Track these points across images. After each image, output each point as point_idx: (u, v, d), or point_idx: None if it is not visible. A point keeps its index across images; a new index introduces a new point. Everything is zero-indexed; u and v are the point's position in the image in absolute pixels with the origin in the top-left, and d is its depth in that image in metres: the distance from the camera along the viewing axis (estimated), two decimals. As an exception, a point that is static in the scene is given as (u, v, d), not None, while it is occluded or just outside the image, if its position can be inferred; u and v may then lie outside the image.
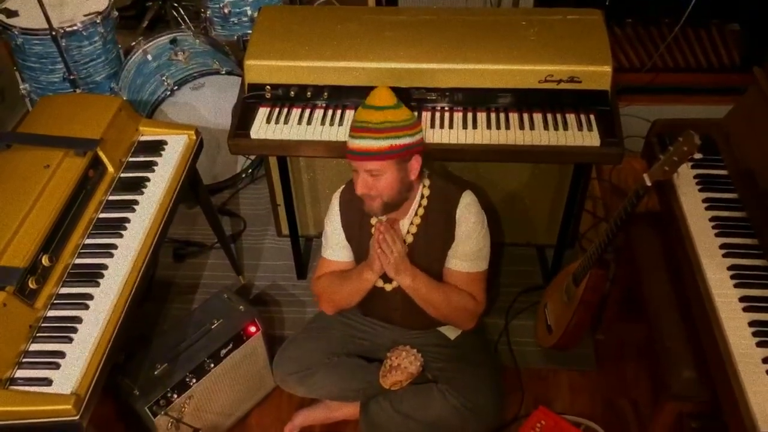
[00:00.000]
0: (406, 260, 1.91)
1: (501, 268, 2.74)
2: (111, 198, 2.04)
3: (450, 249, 1.98)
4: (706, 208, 1.85)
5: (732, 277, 1.67)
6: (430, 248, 1.98)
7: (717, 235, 1.77)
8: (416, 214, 1.96)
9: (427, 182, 1.97)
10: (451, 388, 2.03)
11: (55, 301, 1.76)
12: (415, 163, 1.89)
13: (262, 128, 2.17)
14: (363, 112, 1.86)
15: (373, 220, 1.98)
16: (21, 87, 3.04)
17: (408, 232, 1.97)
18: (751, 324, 1.57)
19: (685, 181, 1.92)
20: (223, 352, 2.07)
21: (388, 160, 1.82)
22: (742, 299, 1.62)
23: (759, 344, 1.53)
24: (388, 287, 2.02)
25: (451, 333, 2.16)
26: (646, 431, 1.92)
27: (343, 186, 2.06)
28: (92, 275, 1.81)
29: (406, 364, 2.08)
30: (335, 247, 2.06)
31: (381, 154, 1.80)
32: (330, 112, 2.21)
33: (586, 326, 2.22)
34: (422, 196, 1.96)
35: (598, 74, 2.13)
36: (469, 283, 2.00)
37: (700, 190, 1.90)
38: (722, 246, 1.74)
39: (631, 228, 2.09)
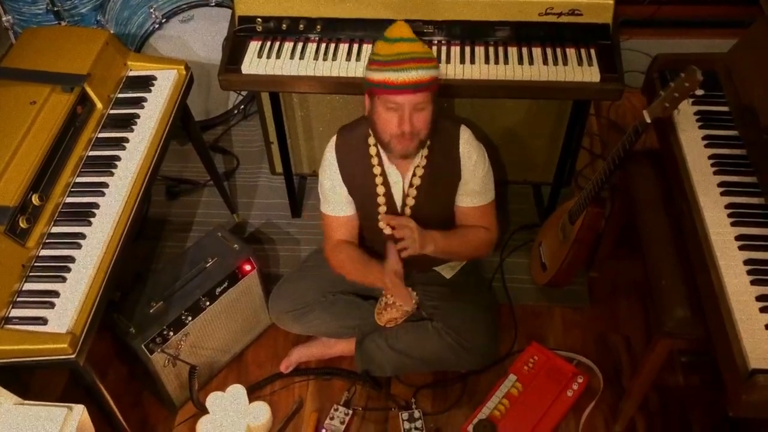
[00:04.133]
0: (422, 231, 1.87)
1: (497, 206, 2.72)
2: (101, 135, 2.00)
3: (459, 188, 1.96)
4: (706, 146, 1.83)
5: (729, 215, 1.66)
6: (438, 188, 1.95)
7: (715, 173, 1.76)
8: (421, 156, 1.91)
9: None
10: (446, 325, 2.05)
11: (47, 241, 1.74)
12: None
13: (254, 63, 2.11)
14: (399, 44, 1.73)
15: (377, 169, 1.92)
16: (3, 19, 2.93)
17: (415, 175, 1.93)
18: (746, 262, 1.57)
19: (685, 118, 1.89)
20: (219, 290, 2.08)
21: (431, 93, 1.76)
22: (738, 238, 1.62)
23: (753, 282, 1.53)
24: (388, 230, 1.98)
25: (446, 272, 2.17)
26: (638, 366, 1.95)
27: (335, 137, 1.97)
28: (84, 214, 1.79)
29: (401, 302, 2.09)
30: (337, 203, 2.00)
31: (430, 85, 1.74)
32: (323, 45, 2.15)
33: (581, 264, 2.23)
34: None
35: (599, 7, 2.07)
36: (481, 216, 2.00)
37: (700, 128, 1.88)
38: (720, 184, 1.73)
39: (629, 166, 2.07)
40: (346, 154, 1.95)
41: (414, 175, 1.93)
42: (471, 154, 1.92)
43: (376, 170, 1.93)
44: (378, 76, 1.72)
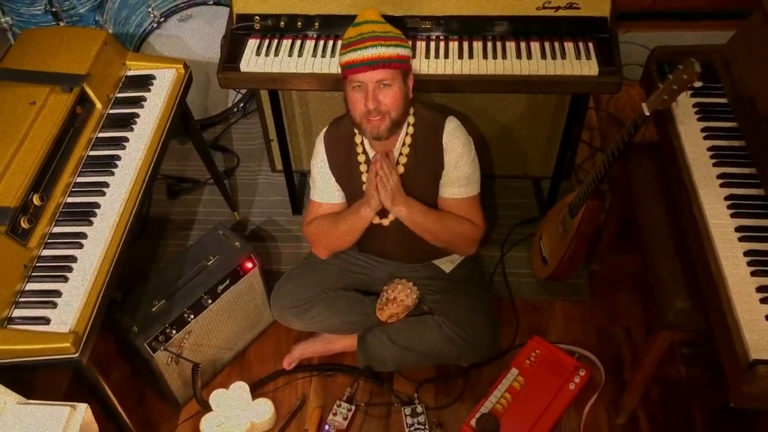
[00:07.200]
0: (401, 190, 1.90)
1: (497, 201, 2.73)
2: (100, 135, 2.01)
3: (441, 177, 1.96)
4: (705, 138, 1.83)
5: (729, 207, 1.66)
6: (421, 177, 1.96)
7: (715, 164, 1.76)
8: (404, 144, 1.93)
9: (411, 110, 1.93)
10: (447, 319, 2.05)
11: (48, 241, 1.75)
12: (411, 81, 1.86)
13: (252, 61, 2.12)
14: (362, 26, 1.80)
15: (361, 158, 1.95)
16: (2, 20, 2.93)
17: (398, 162, 1.95)
18: (747, 253, 1.57)
19: (684, 110, 1.89)
20: (220, 288, 2.08)
21: (397, 69, 1.78)
22: (738, 229, 1.62)
23: (753, 273, 1.53)
24: (386, 222, 2.01)
25: (446, 266, 2.17)
26: (639, 358, 1.95)
27: (326, 128, 2.01)
28: (85, 214, 1.80)
29: (402, 297, 2.09)
30: (325, 190, 2.03)
31: (392, 62, 1.76)
32: (321, 43, 2.15)
33: (581, 257, 2.23)
34: (408, 125, 1.92)
35: (597, 0, 2.06)
36: (464, 208, 2.00)
37: (698, 120, 1.88)
38: (720, 176, 1.73)
39: (629, 158, 2.07)
40: (334, 143, 1.98)
41: (397, 163, 1.94)
42: (455, 144, 1.93)
43: (361, 158, 1.96)
44: (343, 58, 1.79)
